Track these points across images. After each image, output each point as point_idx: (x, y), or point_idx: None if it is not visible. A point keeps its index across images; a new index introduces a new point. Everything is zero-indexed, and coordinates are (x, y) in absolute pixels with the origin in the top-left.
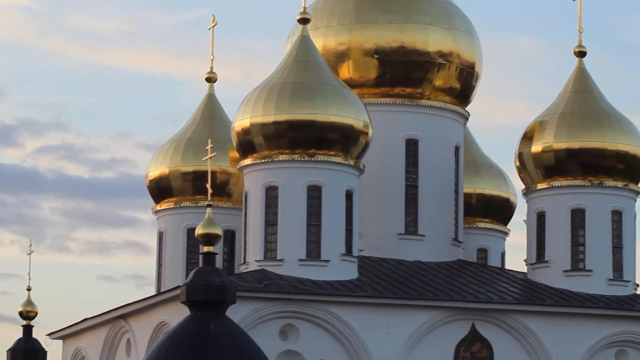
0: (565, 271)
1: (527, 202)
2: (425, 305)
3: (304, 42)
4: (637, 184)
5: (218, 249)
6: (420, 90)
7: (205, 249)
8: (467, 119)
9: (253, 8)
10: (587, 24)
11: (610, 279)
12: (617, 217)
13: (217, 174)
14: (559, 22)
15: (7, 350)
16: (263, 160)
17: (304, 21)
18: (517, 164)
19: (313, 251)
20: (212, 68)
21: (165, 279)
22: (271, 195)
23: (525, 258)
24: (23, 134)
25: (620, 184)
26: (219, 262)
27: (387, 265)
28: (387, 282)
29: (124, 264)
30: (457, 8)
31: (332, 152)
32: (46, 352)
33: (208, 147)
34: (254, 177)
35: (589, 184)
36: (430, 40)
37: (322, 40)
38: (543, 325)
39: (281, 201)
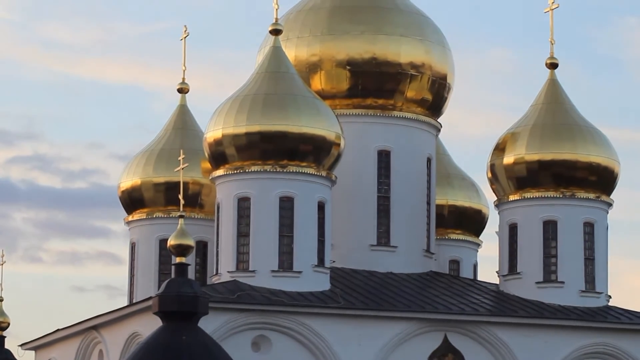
0: (538, 283)
1: (499, 213)
2: (397, 317)
3: (276, 53)
4: (609, 195)
5: (190, 259)
6: (392, 102)
7: (178, 259)
8: (439, 130)
9: (225, 19)
10: (559, 35)
11: (583, 291)
12: (589, 229)
13: (189, 185)
14: (530, 33)
15: None
16: (235, 171)
17: (276, 32)
18: (489, 175)
19: (285, 262)
20: (184, 79)
21: (137, 289)
22: (243, 206)
23: (497, 269)
24: None
25: (592, 195)
26: (191, 273)
27: (360, 276)
28: (359, 294)
29: (96, 274)
30: (429, 19)
31: (304, 164)
32: None
33: (180, 158)
34: (226, 188)
35: (561, 196)
36: (402, 51)
37: (294, 51)
38: (515, 336)
39: (253, 212)
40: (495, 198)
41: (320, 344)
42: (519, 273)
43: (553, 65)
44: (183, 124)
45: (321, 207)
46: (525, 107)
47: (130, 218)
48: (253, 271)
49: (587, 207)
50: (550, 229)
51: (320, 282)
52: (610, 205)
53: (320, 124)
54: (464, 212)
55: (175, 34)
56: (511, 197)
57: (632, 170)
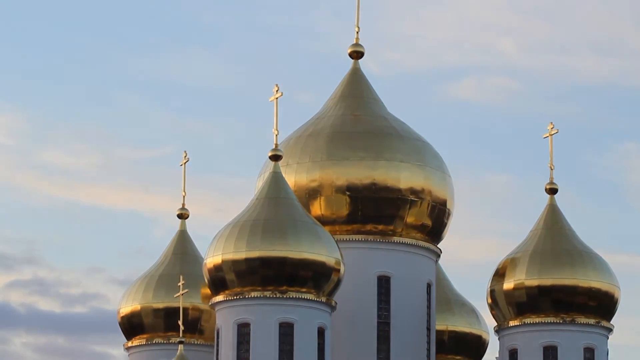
0: None
1: (499, 339)
2: None
3: (276, 179)
4: (609, 320)
5: None
6: (392, 227)
7: None
8: (439, 256)
9: (225, 144)
10: (558, 161)
11: None
12: (589, 354)
13: (189, 311)
14: (530, 159)
15: None
16: (235, 297)
17: (275, 158)
18: (489, 301)
19: None
20: (183, 204)
21: None
22: (243, 332)
23: None
24: None
25: (592, 320)
26: None
27: None
28: None
29: None
30: (429, 145)
31: (304, 289)
32: None
33: (180, 284)
34: (226, 314)
35: (561, 321)
36: (402, 177)
37: (293, 177)
38: None
39: (253, 338)
40: (495, 323)
41: None
42: None
43: (552, 191)
44: (183, 249)
45: (321, 332)
46: (524, 233)
47: (129, 344)
48: None
49: (587, 333)
50: (550, 354)
51: None
52: (610, 330)
53: (320, 249)
54: (464, 338)
55: (175, 160)
56: (511, 323)
57: (633, 296)
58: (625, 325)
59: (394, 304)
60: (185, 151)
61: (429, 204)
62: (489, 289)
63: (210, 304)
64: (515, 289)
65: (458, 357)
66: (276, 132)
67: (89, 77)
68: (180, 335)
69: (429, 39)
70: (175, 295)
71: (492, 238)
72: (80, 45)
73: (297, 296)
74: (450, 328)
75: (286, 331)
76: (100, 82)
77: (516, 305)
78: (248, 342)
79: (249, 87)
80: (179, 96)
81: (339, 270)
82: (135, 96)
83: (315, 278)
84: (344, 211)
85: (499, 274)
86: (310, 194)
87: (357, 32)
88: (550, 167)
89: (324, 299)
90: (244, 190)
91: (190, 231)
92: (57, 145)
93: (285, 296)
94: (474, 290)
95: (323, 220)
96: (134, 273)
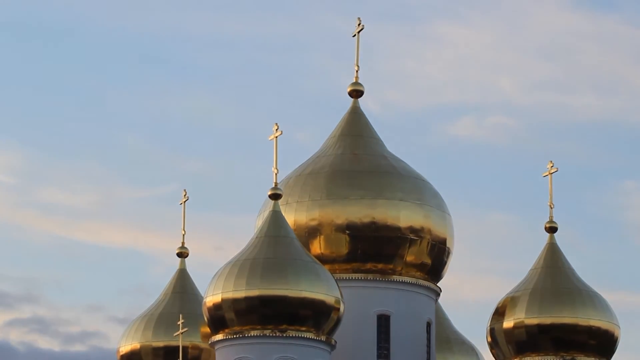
0: None
1: None
2: None
3: (276, 218)
4: (609, 359)
5: None
6: (392, 266)
7: None
8: (438, 294)
9: (224, 183)
10: (558, 199)
11: None
12: None
13: (189, 350)
14: (529, 197)
15: None
16: (234, 336)
17: (275, 196)
18: (489, 339)
19: None
20: (183, 243)
21: None
22: None
23: None
24: None
25: (592, 359)
26: None
27: None
28: None
29: None
30: (429, 184)
31: (303, 328)
32: None
33: (179, 323)
34: (226, 353)
35: None
36: (402, 216)
37: (293, 216)
38: None
39: None
40: None
41: None
42: None
43: (552, 229)
44: (182, 288)
45: None
46: (524, 271)
47: None
48: None
49: None
50: None
51: None
52: None
53: (320, 288)
54: None
55: (174, 198)
56: None
57: (633, 334)
58: None
59: (394, 342)
60: (184, 190)
61: (428, 243)
62: (488, 328)
63: (209, 342)
64: (515, 327)
65: None
66: (276, 171)
67: (88, 115)
68: None
69: (428, 78)
70: (174, 334)
71: (491, 277)
72: (79, 84)
73: (297, 335)
74: None
75: None
76: (100, 121)
77: (516, 344)
78: None
79: (248, 126)
80: (178, 134)
81: (338, 309)
82: (135, 134)
83: (315, 317)
84: (344, 250)
85: (499, 313)
86: (310, 233)
87: (357, 71)
88: (550, 206)
89: (323, 338)
90: (243, 229)
91: (189, 270)
92: (57, 184)
93: (284, 335)
94: (473, 328)
95: (323, 259)
96: (134, 311)
